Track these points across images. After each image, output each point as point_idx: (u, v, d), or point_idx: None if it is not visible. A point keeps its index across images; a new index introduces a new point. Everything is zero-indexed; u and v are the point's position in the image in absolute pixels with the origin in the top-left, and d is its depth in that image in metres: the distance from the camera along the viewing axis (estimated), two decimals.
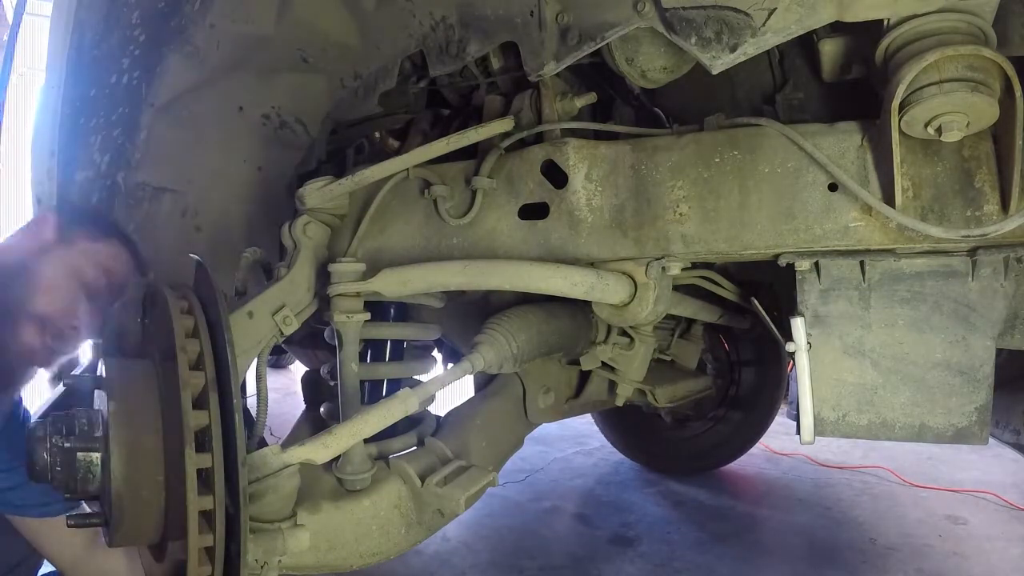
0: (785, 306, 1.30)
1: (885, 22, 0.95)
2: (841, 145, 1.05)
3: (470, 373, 1.22)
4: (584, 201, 1.18)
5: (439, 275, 1.20)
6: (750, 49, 0.99)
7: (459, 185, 1.28)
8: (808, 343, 1.14)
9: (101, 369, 0.95)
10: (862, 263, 1.10)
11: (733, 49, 0.99)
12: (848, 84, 1.15)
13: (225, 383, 0.86)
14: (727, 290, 1.58)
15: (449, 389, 1.27)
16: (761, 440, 3.05)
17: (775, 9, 0.95)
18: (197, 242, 1.56)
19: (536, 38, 1.16)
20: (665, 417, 2.88)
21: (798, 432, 1.16)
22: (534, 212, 1.23)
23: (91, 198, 1.41)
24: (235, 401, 0.85)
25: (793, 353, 1.15)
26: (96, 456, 0.89)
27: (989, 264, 1.05)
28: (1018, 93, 0.88)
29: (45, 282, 1.21)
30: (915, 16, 0.92)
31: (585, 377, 1.81)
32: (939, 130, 0.92)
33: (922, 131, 0.94)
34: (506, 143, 1.26)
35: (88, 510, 1.04)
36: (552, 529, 2.57)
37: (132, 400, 0.90)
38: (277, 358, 4.99)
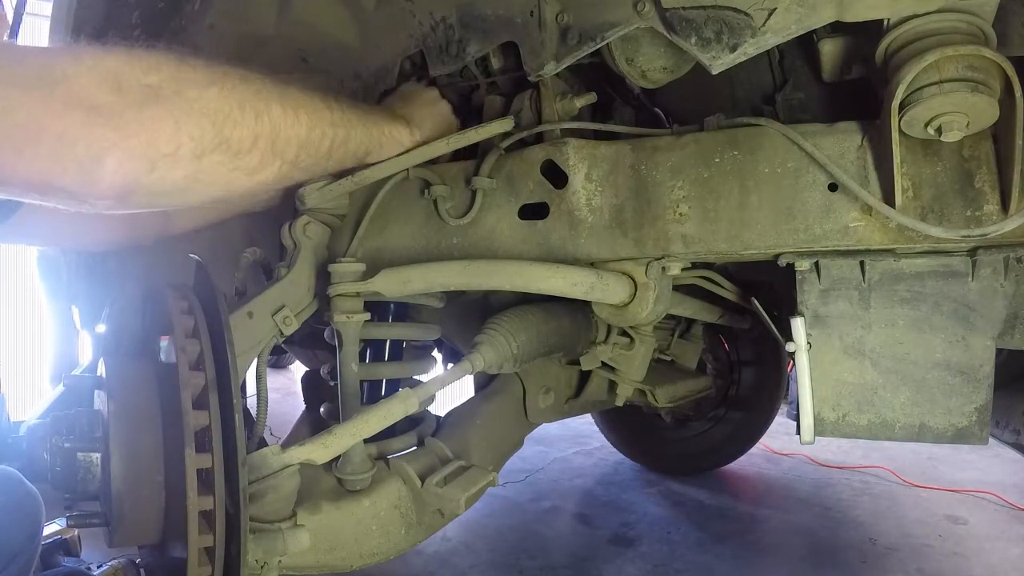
0: (785, 306, 1.30)
1: (885, 22, 0.95)
2: (841, 145, 1.05)
3: (470, 373, 1.22)
4: (584, 201, 1.18)
5: (439, 275, 1.20)
6: (750, 49, 0.99)
7: (459, 185, 1.28)
8: (808, 343, 1.14)
9: (101, 369, 0.95)
10: (862, 263, 1.10)
11: (733, 49, 0.99)
12: (848, 84, 1.15)
13: (225, 383, 0.86)
14: (727, 290, 1.58)
15: (449, 389, 1.27)
16: (761, 440, 3.05)
17: (775, 9, 0.95)
18: (197, 242, 1.56)
19: (536, 38, 1.15)
20: (665, 417, 2.88)
21: (798, 432, 1.16)
22: (534, 212, 1.23)
23: None
24: (235, 401, 0.85)
25: (793, 353, 1.15)
26: (96, 456, 0.89)
27: (989, 264, 1.05)
28: (1018, 93, 0.88)
29: None
30: (915, 16, 0.92)
31: (585, 377, 1.81)
32: (939, 130, 0.92)
33: (922, 131, 0.94)
34: (506, 143, 1.26)
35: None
36: (552, 529, 2.57)
37: (132, 400, 0.90)
38: (277, 358, 4.99)
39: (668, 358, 2.18)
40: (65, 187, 0.76)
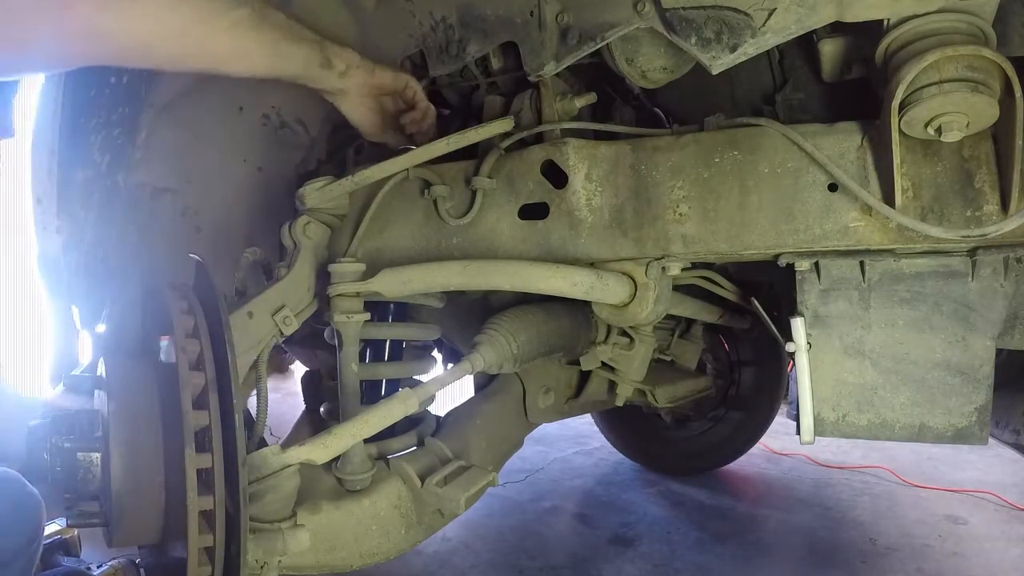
0: (785, 306, 1.30)
1: (885, 22, 0.95)
2: (841, 145, 1.05)
3: (470, 373, 1.22)
4: (584, 201, 1.18)
5: (439, 275, 1.20)
6: (750, 49, 0.99)
7: (459, 185, 1.28)
8: (808, 343, 1.14)
9: (101, 369, 0.95)
10: (862, 263, 1.10)
11: (733, 49, 0.99)
12: (848, 84, 1.15)
13: (225, 383, 0.86)
14: (727, 290, 1.58)
15: (449, 389, 1.27)
16: (761, 440, 3.05)
17: (775, 9, 0.95)
18: (197, 242, 1.56)
19: (536, 38, 1.16)
20: (665, 417, 2.88)
21: (798, 432, 1.16)
22: (534, 212, 1.23)
23: (92, 197, 1.41)
24: (235, 401, 0.85)
25: (793, 353, 1.15)
26: (96, 456, 0.89)
27: (989, 264, 1.05)
28: (1018, 93, 0.88)
29: None
30: (915, 16, 0.93)
31: (585, 377, 1.81)
32: (939, 130, 0.92)
33: (922, 131, 0.94)
34: (506, 143, 1.26)
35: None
36: (552, 529, 2.57)
37: (132, 400, 0.90)
38: (280, 361, 4.97)
39: (668, 358, 2.18)
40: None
